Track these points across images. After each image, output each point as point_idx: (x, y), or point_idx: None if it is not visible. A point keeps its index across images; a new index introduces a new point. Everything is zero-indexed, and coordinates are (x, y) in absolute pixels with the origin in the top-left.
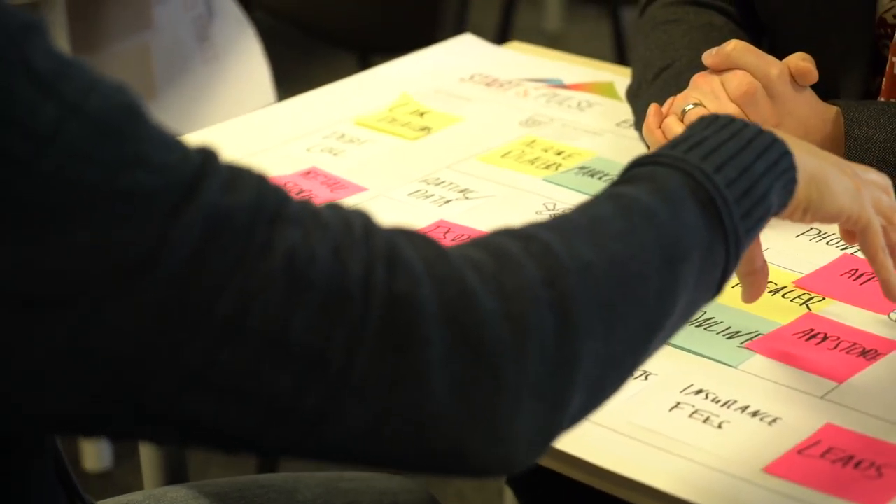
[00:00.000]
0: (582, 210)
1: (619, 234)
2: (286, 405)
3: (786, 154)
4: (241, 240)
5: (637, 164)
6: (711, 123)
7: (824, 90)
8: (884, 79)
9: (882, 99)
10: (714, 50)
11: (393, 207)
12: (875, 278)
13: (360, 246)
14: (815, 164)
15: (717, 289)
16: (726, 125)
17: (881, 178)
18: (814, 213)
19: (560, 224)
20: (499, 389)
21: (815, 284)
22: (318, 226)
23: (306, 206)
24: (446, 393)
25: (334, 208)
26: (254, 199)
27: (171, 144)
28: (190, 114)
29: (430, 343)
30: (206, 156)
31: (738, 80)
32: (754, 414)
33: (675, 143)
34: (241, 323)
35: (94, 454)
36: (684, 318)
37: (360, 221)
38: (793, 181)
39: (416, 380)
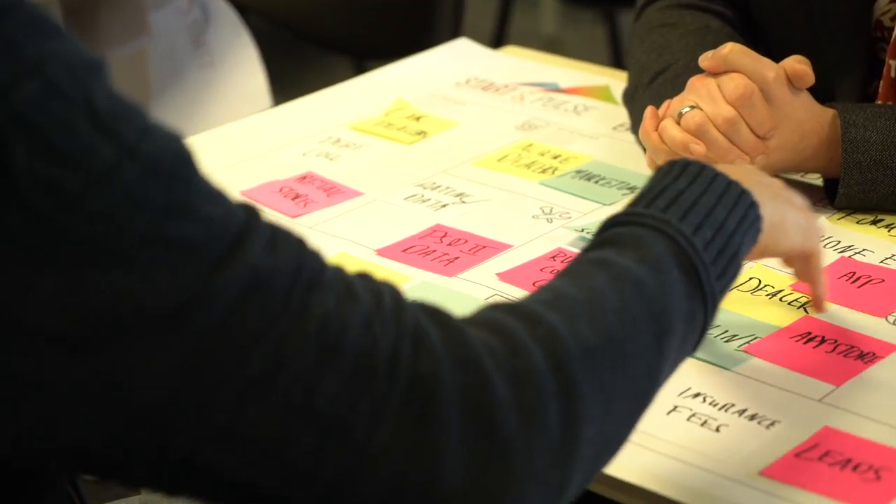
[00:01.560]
0: (576, 281)
1: (615, 310)
2: (304, 468)
3: (752, 205)
4: (279, 301)
5: (618, 223)
6: (683, 172)
7: (821, 93)
8: (881, 82)
9: (879, 102)
10: (710, 53)
11: (389, 212)
12: (872, 281)
13: (389, 320)
14: (773, 210)
15: (695, 348)
16: (698, 175)
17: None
18: (766, 255)
19: (560, 301)
20: (507, 472)
21: None
22: (350, 295)
23: (341, 275)
24: (458, 472)
25: (366, 279)
26: (294, 263)
27: (218, 198)
28: (186, 119)
29: (446, 423)
30: (250, 213)
31: (734, 83)
32: (752, 417)
33: (651, 197)
34: (270, 382)
35: None
36: (665, 382)
37: (389, 295)
38: (758, 232)
39: (431, 457)
